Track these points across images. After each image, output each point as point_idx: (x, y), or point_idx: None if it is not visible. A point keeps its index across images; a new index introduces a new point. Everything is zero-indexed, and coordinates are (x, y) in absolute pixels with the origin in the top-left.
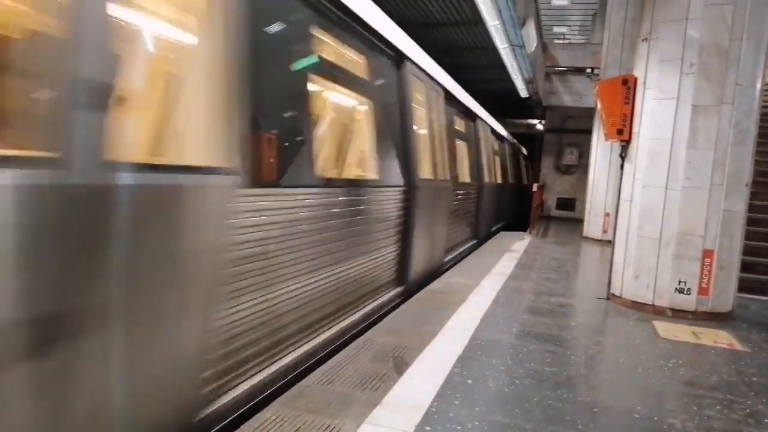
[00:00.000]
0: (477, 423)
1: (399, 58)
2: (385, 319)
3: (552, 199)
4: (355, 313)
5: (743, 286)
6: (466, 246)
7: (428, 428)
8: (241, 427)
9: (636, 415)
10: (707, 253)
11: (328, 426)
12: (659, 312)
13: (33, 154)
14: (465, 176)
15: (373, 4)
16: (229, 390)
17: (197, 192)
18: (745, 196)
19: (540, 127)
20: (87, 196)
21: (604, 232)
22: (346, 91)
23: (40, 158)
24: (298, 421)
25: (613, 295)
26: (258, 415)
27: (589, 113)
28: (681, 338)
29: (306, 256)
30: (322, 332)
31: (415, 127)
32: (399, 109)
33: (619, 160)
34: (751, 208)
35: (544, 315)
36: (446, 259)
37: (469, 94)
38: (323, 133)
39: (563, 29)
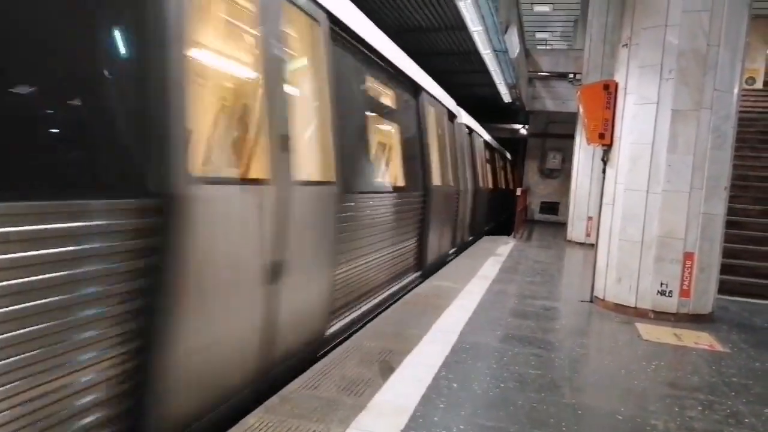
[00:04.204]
0: (462, 426)
1: (416, 89)
2: (370, 323)
3: (536, 203)
4: (393, 287)
5: (723, 288)
6: (465, 241)
7: None
8: None
9: (619, 417)
10: (688, 256)
11: (313, 431)
12: (642, 314)
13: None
14: (464, 182)
15: (400, 50)
16: None
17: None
18: (724, 199)
19: (524, 131)
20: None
21: (587, 235)
22: (388, 120)
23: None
24: (283, 427)
25: (596, 297)
26: (242, 420)
27: (571, 118)
28: (663, 340)
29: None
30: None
31: (429, 143)
32: (417, 128)
33: (601, 164)
34: (730, 211)
35: (528, 318)
36: (450, 251)
37: (454, 99)
38: (380, 154)
39: (545, 35)
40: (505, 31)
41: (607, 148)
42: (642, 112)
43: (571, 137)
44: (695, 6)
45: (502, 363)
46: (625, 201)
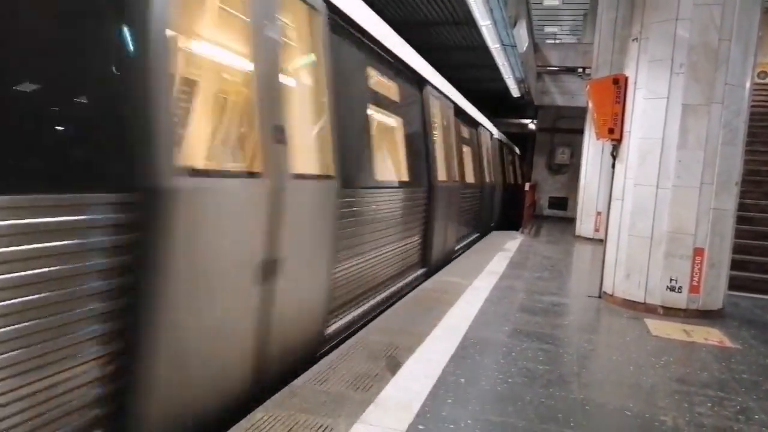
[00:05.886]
0: (470, 422)
1: (421, 82)
2: (377, 319)
3: (544, 199)
4: (404, 279)
5: (733, 284)
6: (471, 238)
7: (421, 427)
8: (233, 427)
9: (628, 413)
10: (698, 251)
11: (321, 425)
12: (651, 310)
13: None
14: (470, 178)
15: (403, 41)
16: None
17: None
18: (734, 194)
19: (532, 126)
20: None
21: (596, 230)
22: (392, 114)
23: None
24: (291, 421)
25: (605, 293)
26: (250, 415)
27: (580, 113)
28: (672, 336)
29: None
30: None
31: (434, 138)
32: (421, 122)
33: (611, 159)
34: (741, 207)
35: (536, 314)
36: (457, 247)
37: (461, 93)
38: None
39: (554, 29)
40: (514, 25)
41: (617, 143)
42: (652, 106)
43: (580, 132)
44: None
45: (510, 358)
46: (635, 196)
